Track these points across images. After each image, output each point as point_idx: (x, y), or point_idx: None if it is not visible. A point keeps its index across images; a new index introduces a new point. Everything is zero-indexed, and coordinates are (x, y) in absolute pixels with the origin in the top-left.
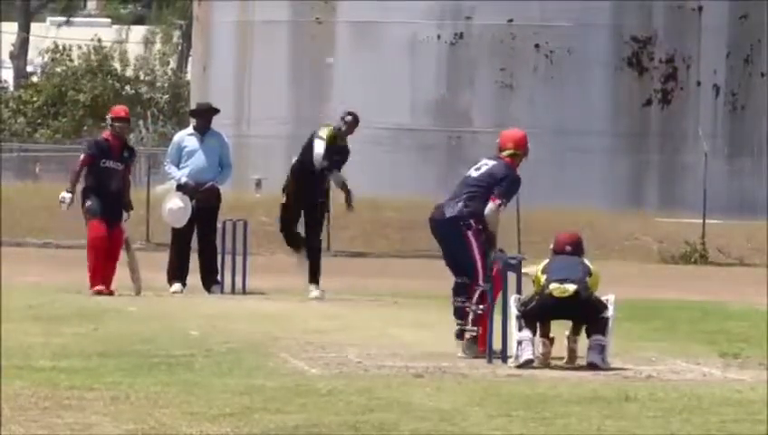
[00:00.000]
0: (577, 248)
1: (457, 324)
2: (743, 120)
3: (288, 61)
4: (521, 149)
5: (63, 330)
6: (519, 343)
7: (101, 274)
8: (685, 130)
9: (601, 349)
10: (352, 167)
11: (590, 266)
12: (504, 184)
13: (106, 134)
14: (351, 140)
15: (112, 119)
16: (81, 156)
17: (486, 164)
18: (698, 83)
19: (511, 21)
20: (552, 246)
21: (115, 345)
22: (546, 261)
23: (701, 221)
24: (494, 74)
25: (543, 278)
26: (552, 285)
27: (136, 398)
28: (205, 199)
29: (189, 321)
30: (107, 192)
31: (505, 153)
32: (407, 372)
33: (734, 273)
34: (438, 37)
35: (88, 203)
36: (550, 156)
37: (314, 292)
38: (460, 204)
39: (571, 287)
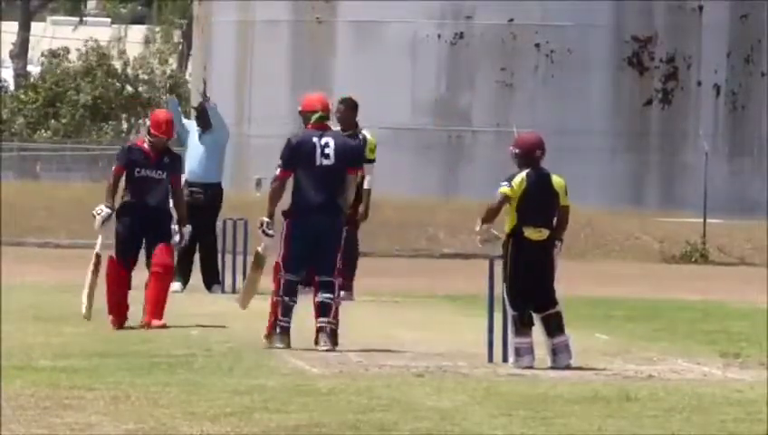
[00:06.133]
0: (544, 151)
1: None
2: (743, 120)
3: (288, 61)
4: (328, 110)
5: (63, 330)
6: (517, 350)
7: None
8: (685, 130)
9: (568, 347)
10: None
11: (558, 185)
12: (359, 151)
13: (139, 141)
14: None
15: (149, 130)
16: (114, 167)
17: (329, 145)
18: (699, 83)
19: (511, 21)
20: (516, 150)
21: (115, 345)
22: (521, 179)
23: (701, 221)
24: (495, 74)
25: (516, 217)
26: (528, 230)
27: (136, 398)
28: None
29: (189, 321)
30: (144, 206)
31: (315, 118)
32: (407, 371)
33: (734, 272)
34: (438, 37)
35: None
36: (550, 156)
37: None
38: (337, 199)
39: (546, 231)
